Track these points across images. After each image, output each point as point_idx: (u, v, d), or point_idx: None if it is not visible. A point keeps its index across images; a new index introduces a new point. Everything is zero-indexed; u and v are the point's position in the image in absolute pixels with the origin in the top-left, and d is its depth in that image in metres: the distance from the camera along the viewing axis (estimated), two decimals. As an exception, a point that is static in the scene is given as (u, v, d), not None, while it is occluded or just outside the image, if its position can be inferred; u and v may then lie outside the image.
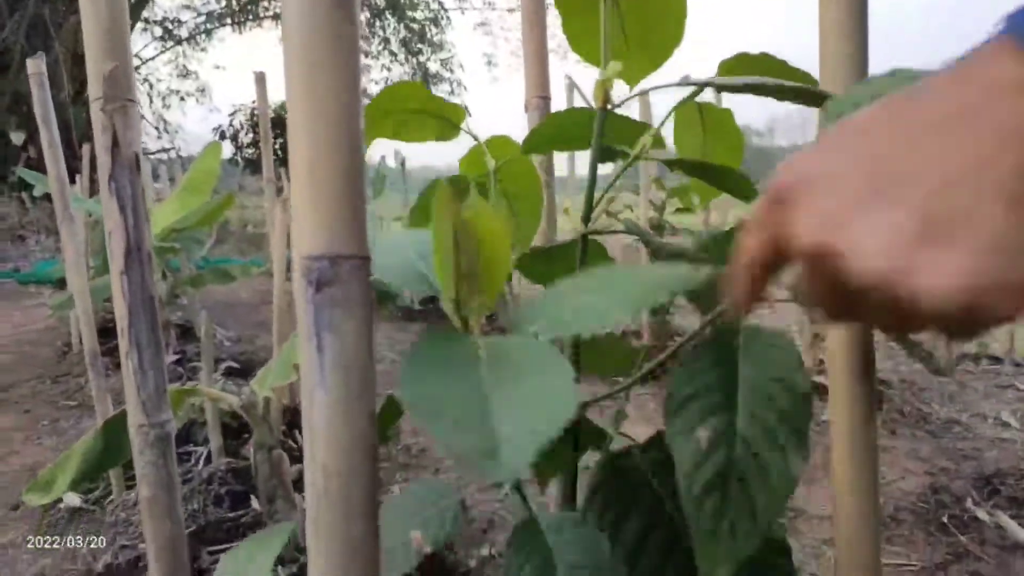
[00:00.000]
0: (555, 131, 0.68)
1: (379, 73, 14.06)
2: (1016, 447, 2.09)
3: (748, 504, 0.42)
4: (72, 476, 1.39)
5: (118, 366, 3.39)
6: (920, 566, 1.46)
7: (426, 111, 0.73)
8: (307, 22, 0.32)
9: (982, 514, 1.66)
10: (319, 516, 0.33)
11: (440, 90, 13.88)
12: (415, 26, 13.16)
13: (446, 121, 0.75)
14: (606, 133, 0.68)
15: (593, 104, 0.59)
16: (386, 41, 13.61)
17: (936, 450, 2.08)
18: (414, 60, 13.59)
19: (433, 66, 13.51)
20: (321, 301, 0.32)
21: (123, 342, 0.65)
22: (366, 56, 13.72)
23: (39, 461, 2.28)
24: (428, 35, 13.10)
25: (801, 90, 0.51)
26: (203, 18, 13.02)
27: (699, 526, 0.42)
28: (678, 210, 3.39)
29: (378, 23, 13.38)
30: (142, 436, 0.66)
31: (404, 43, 13.45)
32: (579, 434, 0.59)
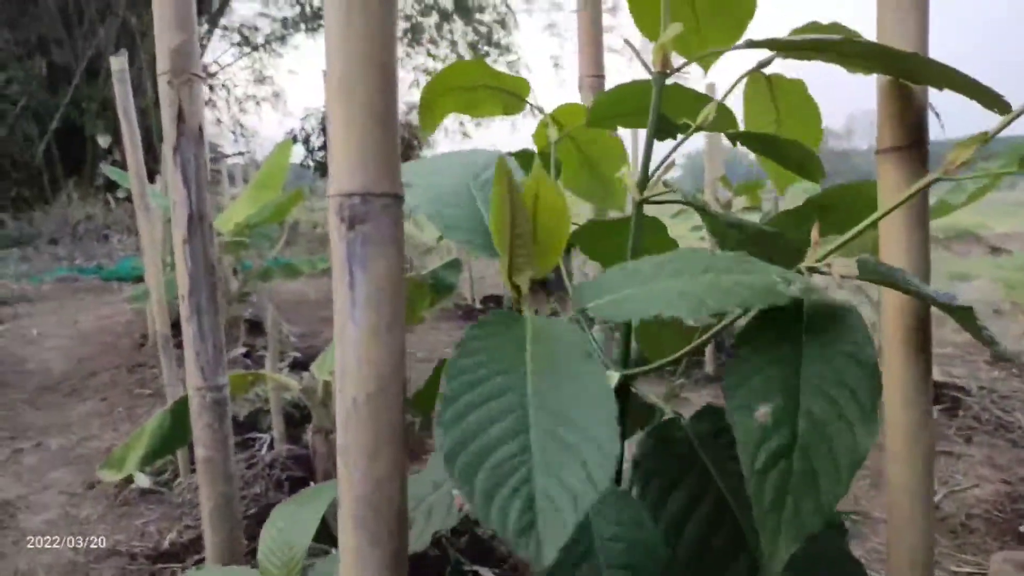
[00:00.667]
0: (618, 103, 0.66)
1: (446, 77, 14.19)
2: (1104, 458, 1.97)
3: (812, 480, 0.40)
4: (142, 454, 1.45)
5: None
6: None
7: (492, 86, 0.73)
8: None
9: (1063, 525, 1.57)
10: (347, 442, 0.34)
11: (506, 92, 13.92)
12: (483, 28, 13.26)
13: (511, 95, 0.75)
14: (669, 107, 0.66)
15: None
16: (453, 44, 13.76)
17: (1015, 459, 1.98)
18: (481, 63, 13.67)
19: (500, 67, 13.57)
20: (353, 238, 0.33)
21: (184, 308, 0.68)
22: (433, 60, 13.92)
23: (114, 445, 2.39)
24: (495, 37, 13.19)
25: (872, 49, 0.49)
26: (278, 24, 13.43)
27: (761, 501, 0.40)
28: (745, 208, 3.32)
29: (446, 26, 13.54)
30: (199, 398, 0.69)
31: (471, 46, 13.57)
32: (626, 410, 0.59)
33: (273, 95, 14.67)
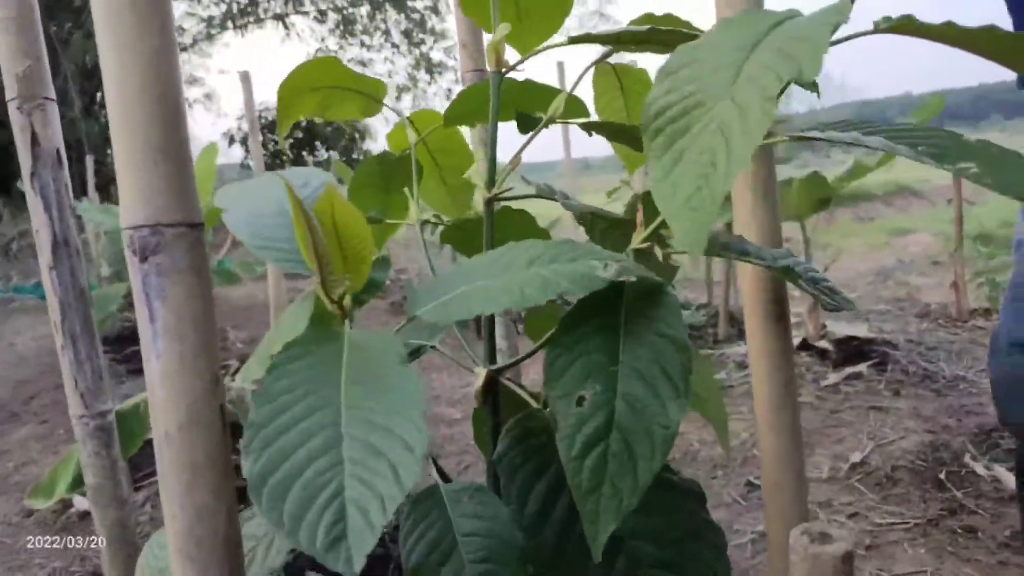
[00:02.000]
0: (471, 104, 0.68)
1: (382, 66, 14.05)
2: (1021, 400, 2.05)
3: (630, 460, 0.42)
4: (71, 479, 1.42)
5: (133, 372, 3.43)
6: (913, 523, 1.45)
7: (348, 87, 0.73)
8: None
9: (980, 468, 1.64)
10: (164, 473, 0.34)
11: (445, 78, 13.82)
12: (415, 15, 13.10)
13: (369, 97, 0.75)
14: (526, 102, 0.68)
15: (490, 68, 0.59)
16: (387, 33, 13.58)
17: (939, 408, 2.06)
18: (416, 51, 13.55)
19: (436, 55, 13.46)
20: (147, 270, 0.33)
21: (58, 337, 0.67)
22: (367, 50, 13.72)
23: (54, 468, 2.33)
24: (429, 24, 13.05)
25: (680, 37, 0.50)
26: (205, 23, 13.08)
27: (579, 487, 0.42)
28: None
29: (378, 16, 13.34)
30: (82, 427, 0.68)
31: (406, 34, 13.41)
32: (497, 405, 0.59)
33: (205, 96, 14.33)
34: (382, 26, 13.46)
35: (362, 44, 13.65)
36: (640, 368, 0.42)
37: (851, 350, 2.54)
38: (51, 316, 0.67)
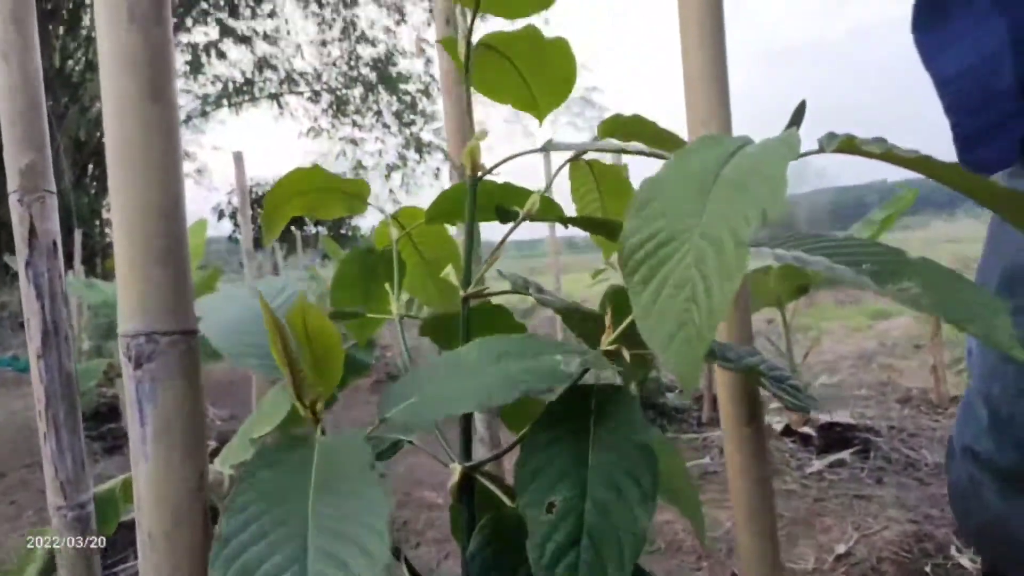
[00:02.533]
0: (450, 204, 0.71)
1: (373, 145, 14.40)
2: (1003, 489, 2.06)
3: (600, 568, 0.42)
4: (41, 566, 1.38)
5: (109, 450, 3.36)
6: (898, 617, 1.43)
7: (333, 189, 0.77)
8: (121, 106, 0.35)
9: (965, 561, 1.63)
10: (147, 574, 0.34)
11: (434, 158, 14.14)
12: (407, 98, 13.50)
13: (353, 196, 0.78)
14: (506, 199, 0.71)
15: (467, 173, 0.63)
16: (379, 114, 13.95)
17: (922, 497, 2.05)
18: (407, 131, 13.90)
19: (426, 136, 13.80)
20: (141, 376, 0.35)
21: (41, 424, 0.67)
22: (359, 129, 14.05)
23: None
24: (420, 106, 13.43)
25: (651, 152, 0.54)
26: (200, 101, 13.39)
27: None
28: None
29: (371, 97, 13.74)
30: (60, 517, 0.67)
31: (397, 115, 13.78)
32: (473, 499, 0.60)
33: (196, 171, 14.54)
34: (374, 107, 13.86)
35: (354, 123, 14.01)
36: (608, 473, 0.44)
37: (834, 436, 2.55)
38: (36, 404, 0.67)
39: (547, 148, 0.58)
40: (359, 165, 14.45)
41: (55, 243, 0.69)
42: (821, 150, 0.41)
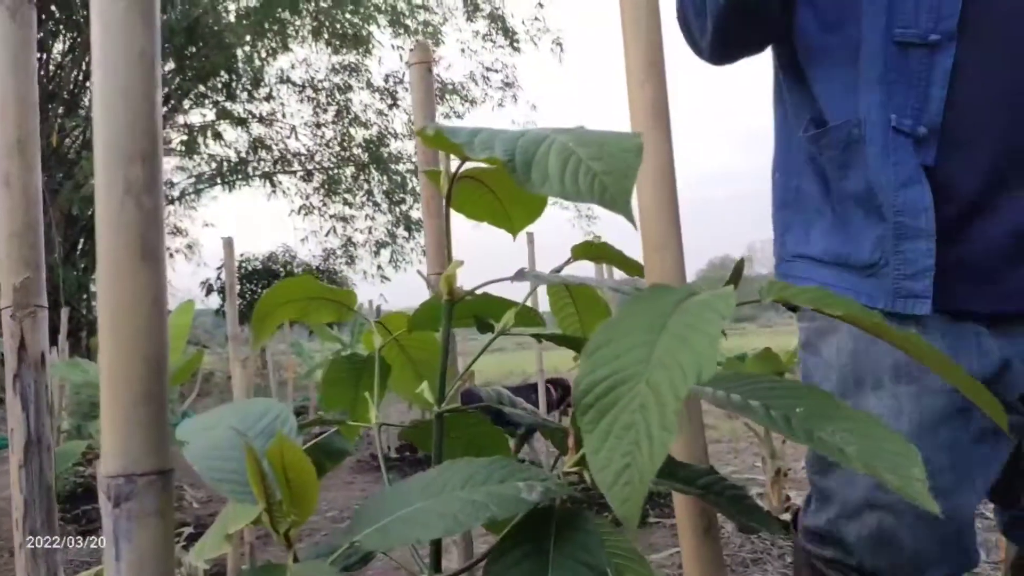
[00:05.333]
0: (429, 316, 0.75)
1: (363, 223, 14.58)
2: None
3: None
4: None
5: (83, 533, 3.29)
6: None
7: (322, 297, 0.81)
8: (115, 263, 0.39)
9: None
10: None
11: (423, 236, 14.30)
12: (397, 177, 13.77)
13: (341, 304, 0.82)
14: (486, 310, 0.75)
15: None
16: (369, 193, 14.20)
17: None
18: (397, 209, 14.12)
19: (415, 214, 14.01)
20: (119, 515, 0.37)
21: (17, 534, 0.68)
22: (349, 207, 14.27)
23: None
24: (410, 185, 13.69)
25: (614, 287, 0.58)
26: (194, 179, 13.61)
27: None
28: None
29: (362, 176, 14.01)
30: (31, 627, 0.68)
31: (387, 194, 14.03)
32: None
33: (187, 247, 14.65)
34: (365, 186, 14.11)
35: (345, 201, 14.23)
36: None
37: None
38: (13, 513, 0.69)
39: (519, 278, 0.63)
40: (349, 242, 14.60)
41: (43, 355, 0.71)
42: (759, 300, 0.45)
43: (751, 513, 0.58)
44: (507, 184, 0.76)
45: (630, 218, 0.42)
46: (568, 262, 0.74)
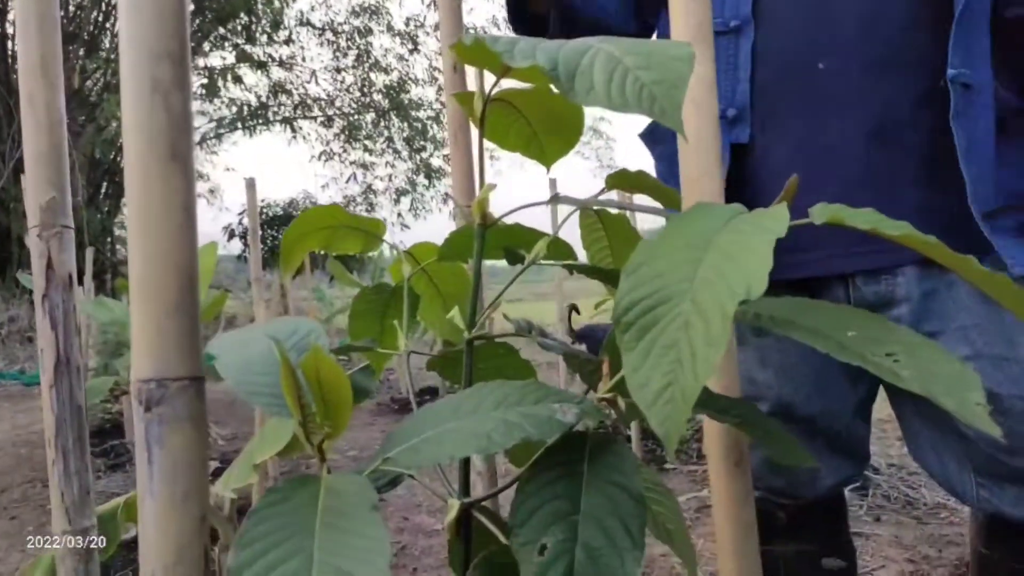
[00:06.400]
0: (460, 246, 0.73)
1: (383, 170, 14.52)
2: (1004, 532, 2.05)
3: None
4: (40, 586, 1.40)
5: (112, 467, 3.36)
6: (894, 660, 1.43)
7: (349, 226, 0.79)
8: (143, 165, 0.38)
9: (963, 604, 1.62)
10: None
11: (443, 184, 14.25)
12: (418, 124, 13.64)
13: (369, 234, 0.81)
14: (516, 241, 0.73)
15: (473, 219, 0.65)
16: (390, 140, 14.10)
17: (920, 537, 2.05)
18: (417, 157, 14.03)
19: (436, 161, 13.93)
20: (150, 419, 0.37)
21: (50, 451, 0.69)
22: (370, 154, 14.20)
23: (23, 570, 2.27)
24: (430, 132, 13.57)
25: (652, 209, 0.56)
26: (214, 124, 13.57)
27: None
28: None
29: (383, 123, 13.89)
30: (64, 542, 0.69)
31: (407, 141, 13.92)
32: (469, 538, 0.62)
33: (209, 191, 14.70)
34: (385, 132, 14.00)
35: (365, 148, 14.16)
36: (599, 519, 0.45)
37: (834, 473, 2.54)
38: (46, 431, 0.69)
39: (554, 201, 0.61)
40: (369, 189, 14.57)
41: (71, 276, 0.71)
42: (811, 223, 0.43)
43: (785, 445, 0.58)
44: (542, 110, 0.73)
45: (680, 130, 0.40)
46: (602, 191, 0.72)
